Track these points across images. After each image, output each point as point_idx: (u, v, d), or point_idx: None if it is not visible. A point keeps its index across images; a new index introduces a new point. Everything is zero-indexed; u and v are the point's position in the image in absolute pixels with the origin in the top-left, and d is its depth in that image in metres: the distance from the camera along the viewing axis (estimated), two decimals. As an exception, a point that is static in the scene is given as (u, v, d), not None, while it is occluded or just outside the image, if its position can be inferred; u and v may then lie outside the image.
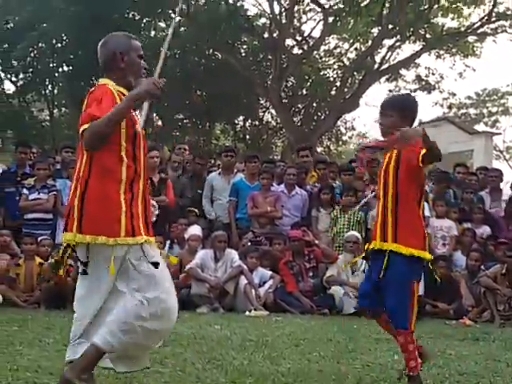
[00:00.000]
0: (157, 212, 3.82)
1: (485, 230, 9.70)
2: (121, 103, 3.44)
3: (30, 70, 23.13)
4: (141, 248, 3.50)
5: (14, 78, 23.99)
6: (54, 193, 9.09)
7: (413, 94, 4.28)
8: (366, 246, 4.23)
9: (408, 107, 4.13)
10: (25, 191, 9.00)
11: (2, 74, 23.75)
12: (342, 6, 21.67)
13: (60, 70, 22.97)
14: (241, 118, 26.09)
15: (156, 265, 3.51)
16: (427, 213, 9.43)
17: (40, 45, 21.61)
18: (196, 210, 9.61)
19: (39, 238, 8.59)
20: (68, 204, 3.59)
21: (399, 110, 4.06)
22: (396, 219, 3.94)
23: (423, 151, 3.77)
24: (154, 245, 3.65)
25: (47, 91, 24.25)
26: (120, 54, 3.63)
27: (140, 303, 3.46)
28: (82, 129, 3.41)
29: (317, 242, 9.08)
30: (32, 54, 22.11)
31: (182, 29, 22.59)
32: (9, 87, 24.54)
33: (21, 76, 23.82)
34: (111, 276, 3.49)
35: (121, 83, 3.64)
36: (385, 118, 4.09)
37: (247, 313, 8.12)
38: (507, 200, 10.04)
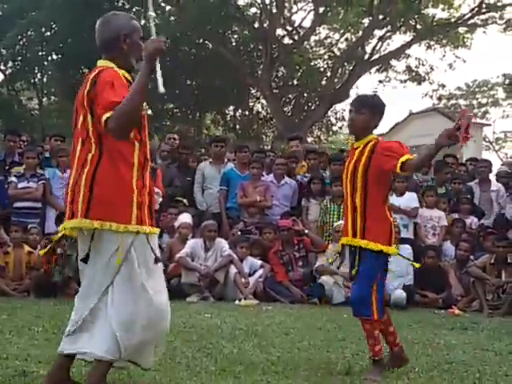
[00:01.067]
0: (160, 199, 3.80)
1: (473, 221, 9.74)
2: (138, 77, 3.28)
3: (19, 58, 22.99)
4: (147, 238, 3.42)
5: (2, 67, 23.87)
6: (43, 181, 9.05)
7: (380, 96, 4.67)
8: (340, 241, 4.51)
9: (378, 107, 4.38)
10: (14, 179, 8.96)
11: (-9, 63, 23.64)
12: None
13: (49, 58, 22.86)
14: (231, 107, 26.06)
15: (157, 260, 3.44)
16: (416, 203, 9.47)
17: (29, 33, 21.48)
18: (185, 200, 9.59)
19: (28, 226, 8.56)
20: (70, 190, 3.39)
21: (370, 108, 4.32)
22: (365, 218, 4.25)
23: (404, 158, 4.05)
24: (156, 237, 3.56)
25: (36, 80, 24.12)
26: (123, 36, 3.51)
27: (135, 307, 3.36)
28: (105, 117, 3.22)
29: (306, 231, 9.10)
30: (21, 43, 21.97)
31: (172, 18, 22.53)
32: (-3, 76, 24.42)
33: (10, 64, 23.69)
34: (114, 267, 3.34)
35: (121, 65, 3.51)
36: (356, 115, 4.32)
37: (237, 302, 8.13)
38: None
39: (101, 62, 3.51)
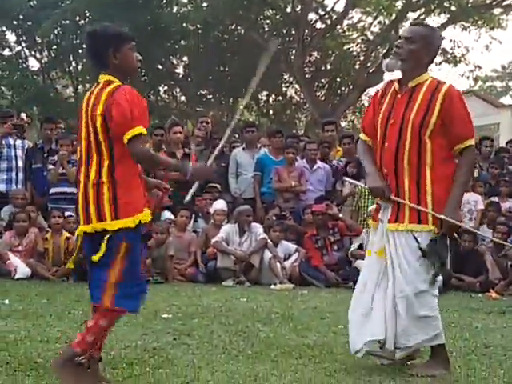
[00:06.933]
0: None
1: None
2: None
3: (54, 47, 23.24)
4: None
5: (38, 55, 24.13)
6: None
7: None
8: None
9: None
10: (51, 167, 9.08)
11: (27, 52, 23.90)
12: (365, -22, 21.43)
13: (84, 46, 23.03)
14: (264, 93, 25.98)
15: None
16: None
17: (64, 22, 21.66)
18: (218, 186, 9.63)
19: (66, 214, 8.65)
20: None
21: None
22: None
23: None
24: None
25: (71, 68, 24.38)
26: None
27: None
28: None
29: (341, 215, 9.08)
30: (56, 32, 22.18)
31: (205, 4, 22.51)
32: (33, 64, 24.69)
33: (45, 53, 23.96)
34: None
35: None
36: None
37: (272, 286, 8.17)
38: None
39: None
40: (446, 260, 3.87)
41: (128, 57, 3.52)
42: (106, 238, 3.36)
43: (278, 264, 8.49)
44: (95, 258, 3.38)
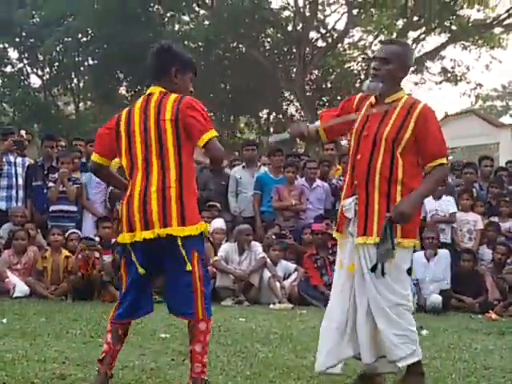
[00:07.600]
0: None
1: (512, 224, 9.59)
2: None
3: (56, 64, 23.38)
4: None
5: (40, 72, 24.30)
6: (78, 185, 9.15)
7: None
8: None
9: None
10: (51, 184, 9.08)
11: (29, 69, 24.05)
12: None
13: (85, 64, 23.18)
14: (265, 111, 26.10)
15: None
16: (453, 208, 9.34)
17: (66, 39, 21.81)
18: (218, 205, 9.62)
19: (67, 233, 8.65)
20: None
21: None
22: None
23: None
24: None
25: (73, 85, 24.51)
26: None
27: None
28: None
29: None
30: (58, 49, 22.34)
31: (206, 22, 22.66)
32: (35, 81, 24.85)
33: (47, 70, 24.12)
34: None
35: None
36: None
37: (271, 305, 8.14)
38: None
39: None
40: (390, 246, 3.74)
41: (186, 83, 3.78)
42: (180, 243, 3.47)
43: (278, 283, 8.47)
44: (189, 267, 3.49)
